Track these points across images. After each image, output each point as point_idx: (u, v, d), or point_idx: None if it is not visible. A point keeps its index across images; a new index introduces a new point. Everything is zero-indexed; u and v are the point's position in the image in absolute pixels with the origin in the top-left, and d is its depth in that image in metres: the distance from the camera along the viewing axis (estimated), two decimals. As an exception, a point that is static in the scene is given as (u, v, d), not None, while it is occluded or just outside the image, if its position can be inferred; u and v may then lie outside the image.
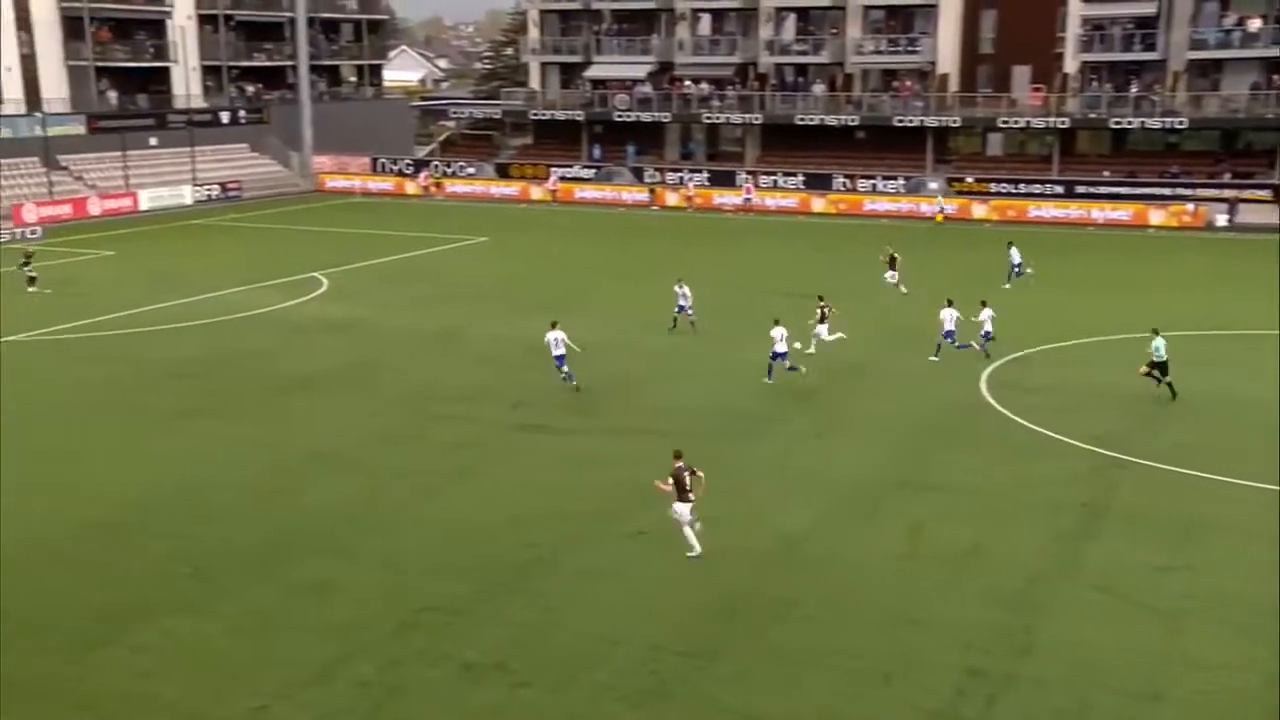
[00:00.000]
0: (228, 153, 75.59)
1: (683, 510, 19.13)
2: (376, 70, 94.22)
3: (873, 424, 26.99)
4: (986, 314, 32.30)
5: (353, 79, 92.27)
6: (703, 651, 16.50)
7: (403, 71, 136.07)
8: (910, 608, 17.77)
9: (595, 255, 52.05)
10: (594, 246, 54.40)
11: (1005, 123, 67.82)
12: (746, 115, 72.98)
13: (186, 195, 69.00)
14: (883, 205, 64.39)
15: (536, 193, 71.89)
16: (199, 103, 76.60)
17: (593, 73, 78.41)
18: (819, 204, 65.90)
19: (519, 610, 17.76)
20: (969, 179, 65.33)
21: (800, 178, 67.81)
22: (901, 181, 66.11)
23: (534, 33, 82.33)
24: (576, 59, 79.57)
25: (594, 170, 73.24)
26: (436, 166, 76.54)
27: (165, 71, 76.21)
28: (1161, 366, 28.35)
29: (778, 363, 29.42)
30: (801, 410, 28.12)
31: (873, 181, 66.24)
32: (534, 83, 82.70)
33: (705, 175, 70.67)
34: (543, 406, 28.29)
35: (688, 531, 19.20)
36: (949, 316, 31.71)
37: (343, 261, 48.55)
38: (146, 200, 66.50)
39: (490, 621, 17.42)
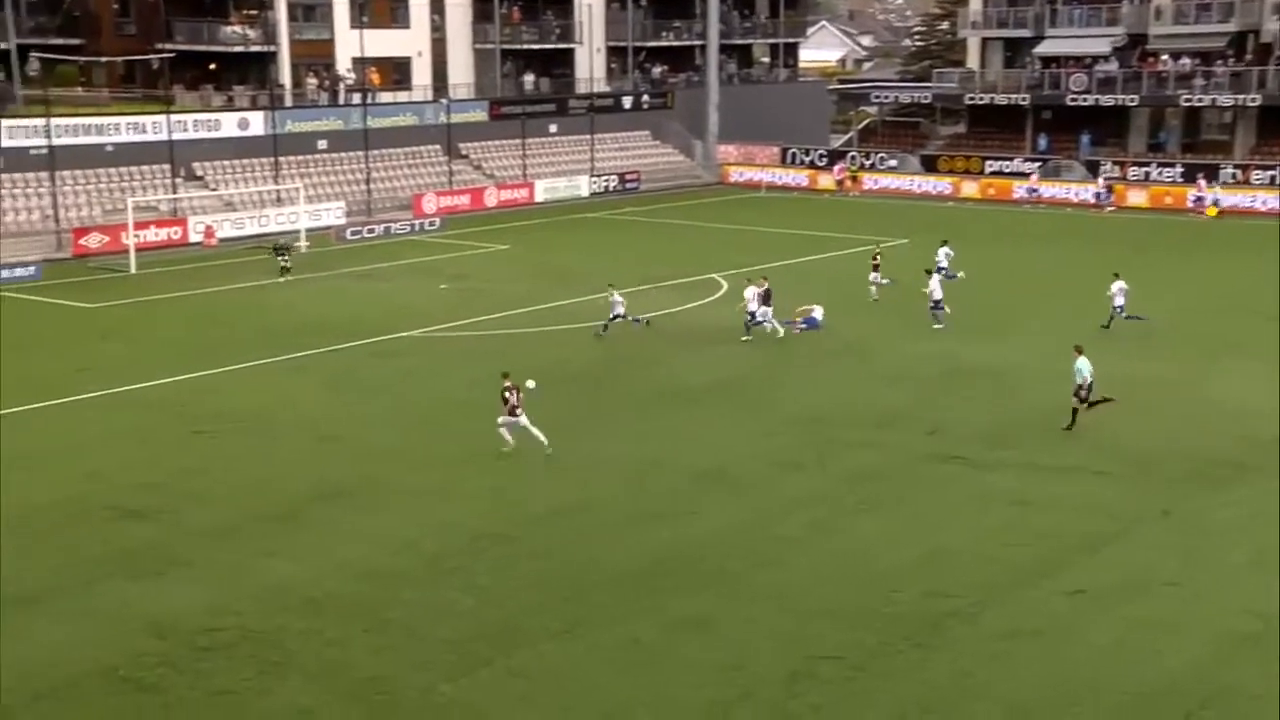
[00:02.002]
0: (627, 140, 79.31)
1: (505, 420, 26.25)
2: (792, 49, 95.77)
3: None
4: (1118, 286, 36.16)
5: (765, 59, 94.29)
6: (1152, 743, 15.58)
7: (821, 50, 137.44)
8: None
9: (1028, 263, 50.34)
10: (1028, 253, 52.66)
11: None
12: (1239, 96, 68.16)
13: (583, 186, 72.89)
14: None
15: (970, 188, 70.60)
16: (601, 86, 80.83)
17: (1044, 49, 76.01)
18: (1334, 206, 60.76)
19: (931, 669, 17.43)
20: None
21: (1308, 173, 62.92)
22: None
23: (975, 4, 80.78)
24: (1025, 33, 77.27)
25: (1039, 164, 70.97)
26: (854, 158, 76.72)
27: (569, 54, 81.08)
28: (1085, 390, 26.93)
29: (755, 325, 36.11)
30: (1292, 459, 25.92)
31: None
32: (972, 62, 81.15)
33: (1179, 170, 66.90)
34: (961, 434, 27.76)
35: (502, 433, 26.31)
36: (934, 286, 37.43)
37: (745, 262, 49.49)
38: (542, 191, 70.86)
39: (897, 679, 17.19)
